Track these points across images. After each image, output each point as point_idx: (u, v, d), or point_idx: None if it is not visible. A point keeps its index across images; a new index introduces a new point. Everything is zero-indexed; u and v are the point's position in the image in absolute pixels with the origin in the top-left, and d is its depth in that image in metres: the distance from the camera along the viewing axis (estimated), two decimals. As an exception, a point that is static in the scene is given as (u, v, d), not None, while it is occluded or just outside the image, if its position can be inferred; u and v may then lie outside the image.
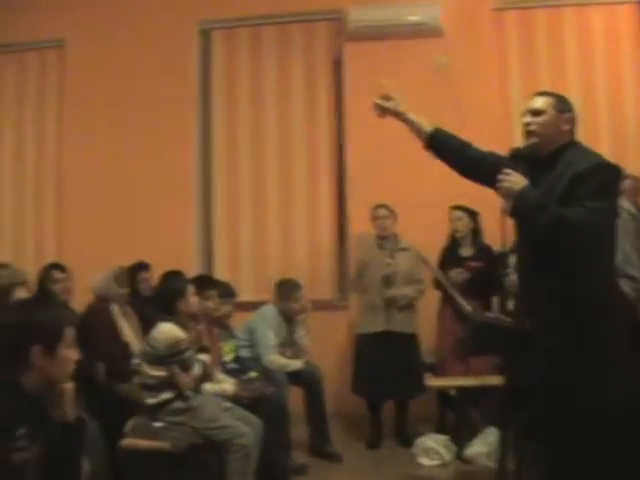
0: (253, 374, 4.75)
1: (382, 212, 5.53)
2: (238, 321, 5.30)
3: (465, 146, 3.38)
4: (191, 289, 4.28)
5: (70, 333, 2.47)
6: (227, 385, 4.38)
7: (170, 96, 6.79)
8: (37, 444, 2.33)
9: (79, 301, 5.13)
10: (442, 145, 3.37)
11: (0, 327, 2.47)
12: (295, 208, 6.68)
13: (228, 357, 4.91)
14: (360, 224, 5.87)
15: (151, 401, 3.91)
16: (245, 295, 6.01)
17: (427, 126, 3.38)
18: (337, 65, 6.73)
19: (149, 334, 4.09)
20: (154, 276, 5.53)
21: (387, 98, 3.35)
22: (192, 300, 4.23)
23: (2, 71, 7.42)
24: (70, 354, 2.46)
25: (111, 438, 3.86)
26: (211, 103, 6.96)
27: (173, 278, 4.52)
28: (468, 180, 3.43)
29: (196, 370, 4.02)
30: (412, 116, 3.37)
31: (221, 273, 6.55)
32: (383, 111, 3.38)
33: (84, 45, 7.01)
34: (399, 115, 3.37)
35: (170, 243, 6.39)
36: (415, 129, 3.40)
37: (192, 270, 5.95)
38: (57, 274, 5.09)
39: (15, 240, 7.23)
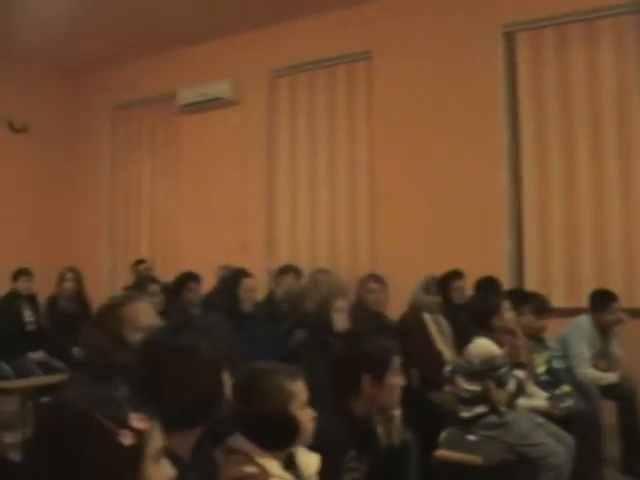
0: (566, 388, 4.69)
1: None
2: (550, 328, 5.25)
3: None
4: (506, 304, 4.27)
5: (396, 361, 2.68)
6: (540, 401, 4.41)
7: (475, 103, 6.88)
8: (365, 465, 2.57)
9: (394, 310, 5.40)
10: None
11: (334, 357, 2.75)
12: (608, 210, 6.37)
13: (541, 369, 4.88)
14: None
15: (465, 414, 4.05)
16: (557, 301, 5.94)
17: None
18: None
19: (465, 349, 4.18)
20: (467, 284, 5.68)
21: None
22: (508, 316, 4.23)
23: (313, 86, 8.05)
24: (397, 381, 2.68)
25: (424, 446, 3.97)
26: (518, 106, 6.89)
27: (488, 291, 4.58)
28: None
29: (511, 386, 4.06)
30: None
31: (532, 279, 6.56)
32: None
33: (389, 56, 7.38)
34: None
35: (481, 251, 6.45)
36: None
37: (502, 276, 6.01)
38: (373, 285, 5.40)
39: (330, 251, 7.78)
